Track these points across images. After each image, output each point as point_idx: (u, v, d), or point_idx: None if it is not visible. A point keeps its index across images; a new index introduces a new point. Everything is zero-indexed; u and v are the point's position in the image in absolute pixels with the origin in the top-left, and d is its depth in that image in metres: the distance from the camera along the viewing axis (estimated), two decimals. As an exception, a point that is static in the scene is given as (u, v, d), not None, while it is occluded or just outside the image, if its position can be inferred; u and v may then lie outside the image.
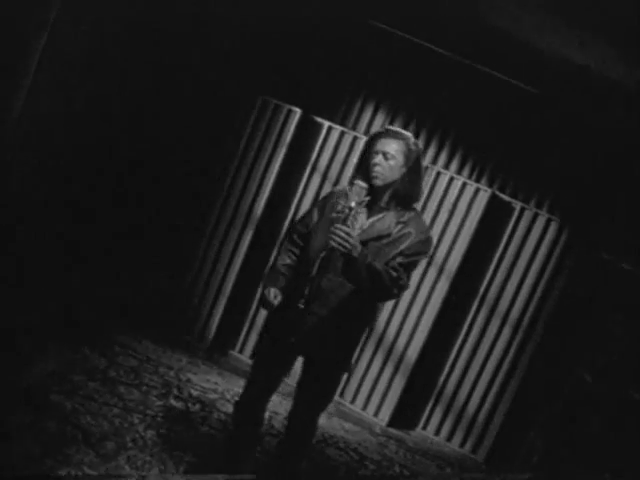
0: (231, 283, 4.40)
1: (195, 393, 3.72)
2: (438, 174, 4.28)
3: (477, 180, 4.43)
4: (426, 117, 4.46)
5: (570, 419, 4.00)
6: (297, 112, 4.27)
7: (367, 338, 4.35)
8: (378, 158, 2.57)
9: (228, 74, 4.44)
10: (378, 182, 2.57)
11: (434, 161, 4.47)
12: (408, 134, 2.64)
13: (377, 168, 2.57)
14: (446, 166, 4.47)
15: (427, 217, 4.25)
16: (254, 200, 4.35)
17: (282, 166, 4.31)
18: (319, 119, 4.35)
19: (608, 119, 4.26)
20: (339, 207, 2.52)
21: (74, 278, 4.23)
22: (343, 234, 2.39)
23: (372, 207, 2.61)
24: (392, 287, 2.50)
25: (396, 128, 2.65)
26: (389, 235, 2.57)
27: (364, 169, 2.64)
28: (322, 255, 2.51)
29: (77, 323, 3.95)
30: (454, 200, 4.25)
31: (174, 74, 4.39)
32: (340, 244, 2.39)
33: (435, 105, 4.43)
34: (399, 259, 2.54)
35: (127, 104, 4.30)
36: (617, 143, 4.29)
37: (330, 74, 4.47)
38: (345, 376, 2.88)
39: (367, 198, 2.59)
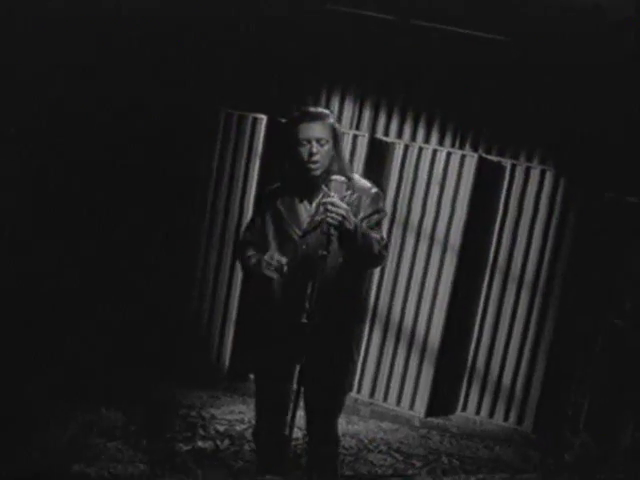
0: (235, 306, 4.24)
1: (222, 428, 3.57)
2: (420, 150, 4.12)
3: (461, 147, 4.26)
4: (396, 95, 4.28)
5: (609, 369, 3.83)
6: (263, 119, 4.11)
7: (383, 336, 4.20)
8: (313, 147, 2.42)
9: (185, 92, 4.27)
10: (318, 172, 2.45)
11: (413, 138, 4.31)
12: (327, 110, 2.54)
13: (316, 158, 2.43)
14: (426, 140, 4.31)
15: (418, 195, 4.10)
16: (240, 219, 4.19)
17: (260, 177, 4.15)
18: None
19: (588, 55, 4.08)
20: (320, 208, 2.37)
21: (69, 336, 4.07)
22: (330, 206, 2.26)
23: (313, 197, 2.51)
24: (381, 250, 2.45)
25: (314, 108, 2.52)
26: None
27: (293, 162, 2.48)
28: (319, 259, 2.34)
29: (86, 382, 3.79)
30: (442, 172, 4.09)
31: (130, 103, 4.23)
32: (330, 217, 2.27)
33: (403, 81, 4.26)
34: (366, 224, 2.47)
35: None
36: (596, 79, 4.12)
37: (288, 72, 4.31)
38: (353, 366, 2.74)
39: (348, 192, 2.45)
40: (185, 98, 4.25)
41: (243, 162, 4.15)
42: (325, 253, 2.33)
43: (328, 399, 2.58)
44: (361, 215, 2.46)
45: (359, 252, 2.39)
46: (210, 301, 4.27)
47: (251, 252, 2.60)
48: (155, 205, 4.30)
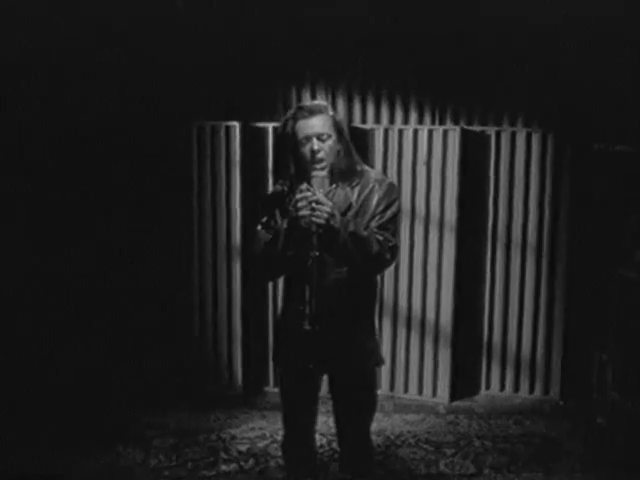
0: (239, 320, 4.12)
1: (244, 448, 3.44)
2: (401, 132, 4.00)
3: (441, 122, 4.14)
4: (367, 80, 4.17)
5: (628, 323, 3.72)
6: (236, 126, 4.00)
7: (394, 326, 4.08)
8: (315, 144, 2.27)
9: (155, 109, 4.15)
10: (325, 171, 2.29)
11: (391, 120, 4.19)
12: (324, 103, 2.37)
13: (320, 155, 2.28)
14: (405, 121, 4.19)
15: (406, 178, 3.98)
16: (229, 232, 4.08)
17: (243, 185, 4.03)
18: (261, 124, 4.07)
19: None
20: (302, 204, 2.21)
21: (74, 371, 3.95)
22: (315, 204, 2.12)
23: (328, 192, 2.34)
24: (383, 252, 2.23)
25: (309, 103, 2.36)
26: (351, 205, 2.32)
27: (296, 160, 2.35)
28: (310, 262, 2.23)
29: (99, 421, 3.67)
30: (426, 151, 3.97)
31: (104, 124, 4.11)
32: (315, 215, 2.12)
33: (371, 64, 4.14)
34: (375, 221, 2.29)
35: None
36: (567, 33, 4.00)
37: (254, 72, 4.19)
38: (381, 367, 2.63)
39: (333, 187, 2.33)
40: (156, 114, 4.13)
41: (223, 172, 4.03)
42: (317, 254, 2.22)
43: (352, 404, 2.45)
44: (371, 210, 2.29)
45: (350, 253, 2.20)
46: (212, 319, 4.16)
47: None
48: (140, 228, 4.19)
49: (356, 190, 2.32)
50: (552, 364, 4.05)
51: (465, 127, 3.98)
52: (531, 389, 4.10)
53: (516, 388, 4.12)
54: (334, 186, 2.32)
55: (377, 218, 2.29)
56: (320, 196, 2.16)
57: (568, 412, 3.89)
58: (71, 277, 4.08)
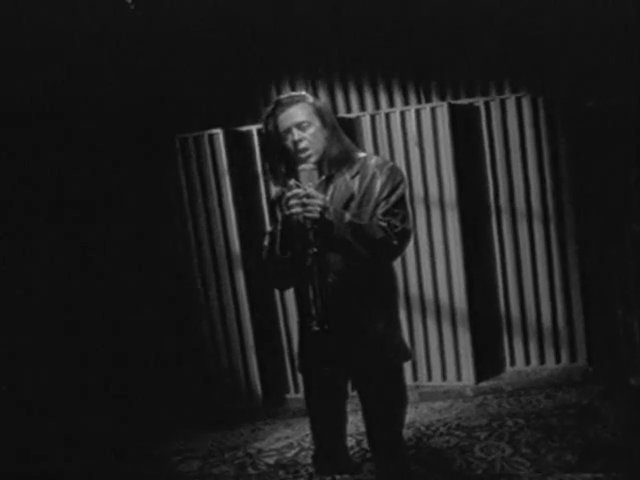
0: (250, 330, 4.02)
1: (272, 460, 3.33)
2: (387, 116, 3.89)
3: (427, 100, 4.03)
4: (346, 68, 4.06)
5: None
6: (219, 133, 3.89)
7: (408, 314, 3.97)
8: (296, 134, 2.18)
9: (133, 126, 4.04)
10: (313, 158, 2.20)
11: (376, 106, 4.09)
12: (302, 92, 2.28)
13: (302, 145, 2.18)
14: (390, 104, 4.08)
15: (399, 162, 3.86)
16: (227, 241, 3.97)
17: (235, 193, 3.93)
18: (245, 128, 3.97)
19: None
20: (293, 202, 2.11)
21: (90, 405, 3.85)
22: (306, 199, 2.02)
23: (319, 184, 2.24)
24: (388, 239, 2.14)
25: (287, 94, 2.26)
26: (354, 195, 2.22)
27: (285, 158, 2.25)
28: (309, 262, 2.13)
29: (123, 451, 3.57)
30: (416, 131, 3.86)
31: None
32: (307, 210, 2.02)
33: (349, 50, 4.04)
34: (381, 208, 2.20)
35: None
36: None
37: (231, 75, 4.09)
38: (407, 364, 2.51)
39: (323, 178, 2.22)
40: (138, 131, 4.04)
41: (213, 182, 3.93)
42: (315, 250, 2.12)
43: (380, 407, 2.35)
44: (374, 197, 2.20)
45: (350, 245, 2.11)
46: (222, 331, 4.05)
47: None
48: (139, 252, 4.09)
49: (357, 179, 2.22)
50: (575, 330, 3.93)
51: (452, 102, 3.86)
52: (557, 359, 3.98)
53: (542, 360, 4.01)
54: (324, 177, 2.22)
55: (382, 204, 2.20)
56: (310, 190, 2.06)
57: (599, 377, 3.77)
58: (78, 304, 3.97)
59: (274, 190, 2.41)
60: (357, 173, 2.23)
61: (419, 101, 4.04)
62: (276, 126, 2.20)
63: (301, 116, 2.18)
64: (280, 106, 2.20)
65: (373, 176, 2.22)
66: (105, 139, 4.00)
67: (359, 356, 2.25)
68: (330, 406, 2.47)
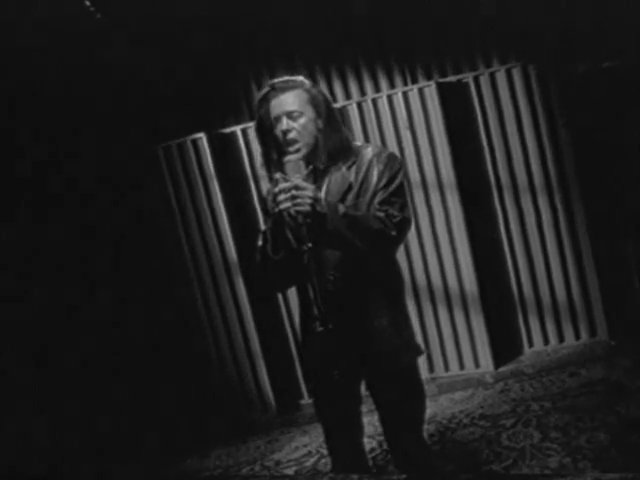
0: (255, 337, 3.87)
1: (291, 471, 3.19)
2: (375, 101, 3.74)
3: (413, 81, 3.88)
4: (327, 56, 3.92)
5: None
6: (202, 137, 3.75)
7: (417, 303, 3.81)
8: (284, 123, 2.03)
9: (111, 135, 3.89)
10: (301, 153, 2.04)
11: (362, 93, 3.94)
12: (300, 78, 2.09)
13: (290, 136, 2.02)
14: (376, 90, 3.93)
15: (392, 147, 3.70)
16: (221, 247, 3.82)
17: (225, 196, 3.78)
18: (228, 129, 3.83)
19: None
20: (281, 197, 1.94)
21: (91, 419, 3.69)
22: (294, 191, 1.87)
23: (316, 176, 2.09)
24: (386, 229, 1.97)
25: (283, 78, 2.07)
26: (351, 186, 2.06)
27: (277, 144, 2.10)
28: (307, 258, 1.98)
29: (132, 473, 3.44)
30: (406, 115, 3.71)
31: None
32: (297, 204, 1.86)
33: (328, 37, 3.89)
34: (378, 197, 2.03)
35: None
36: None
37: (209, 74, 3.95)
38: (421, 357, 2.35)
39: (310, 167, 2.07)
40: (120, 141, 3.89)
41: (201, 188, 3.78)
42: (310, 246, 1.96)
43: (397, 407, 2.18)
44: (372, 187, 2.04)
45: (346, 238, 1.94)
46: (227, 341, 3.90)
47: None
48: (132, 261, 3.94)
49: (353, 169, 2.07)
50: (592, 304, 3.77)
51: (440, 80, 3.71)
52: (577, 335, 3.83)
53: (561, 339, 3.85)
54: (311, 167, 2.07)
55: (380, 194, 2.03)
56: (297, 181, 1.90)
57: (622, 350, 3.61)
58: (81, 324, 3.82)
59: (265, 187, 2.26)
60: (353, 163, 2.08)
61: (405, 83, 3.89)
62: (267, 112, 2.05)
63: (292, 105, 2.02)
64: (273, 91, 2.05)
65: (370, 165, 2.07)
66: (85, 151, 3.85)
67: (367, 355, 2.10)
68: (343, 414, 2.29)
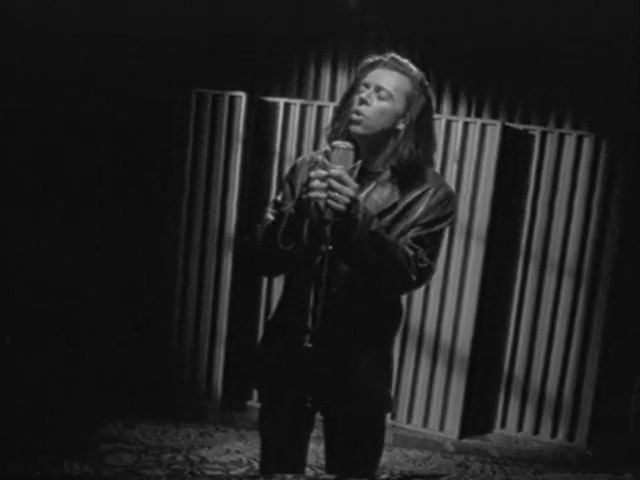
0: (225, 322, 3.56)
1: (213, 474, 2.89)
2: (431, 121, 3.44)
3: (478, 115, 3.59)
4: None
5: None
6: (242, 97, 3.45)
7: (403, 344, 3.52)
8: (366, 93, 1.74)
9: (148, 72, 3.58)
10: (358, 129, 1.75)
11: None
12: (415, 68, 1.79)
13: (362, 107, 1.74)
14: (437, 109, 3.64)
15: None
16: (223, 216, 3.52)
17: (243, 166, 3.48)
18: (271, 98, 3.53)
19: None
20: (316, 183, 1.64)
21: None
22: (335, 183, 1.58)
23: (361, 175, 1.78)
24: (408, 271, 1.69)
25: (398, 57, 1.79)
26: (395, 206, 1.76)
27: (344, 117, 1.81)
28: (319, 260, 1.68)
29: (46, 428, 3.11)
30: (459, 147, 3.42)
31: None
32: (332, 198, 1.57)
33: (402, 39, 3.58)
34: (414, 232, 1.74)
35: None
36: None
37: (269, 41, 3.63)
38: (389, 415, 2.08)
39: (358, 163, 1.77)
40: (152, 80, 3.58)
41: (223, 149, 3.48)
42: (329, 248, 1.67)
43: (351, 455, 1.91)
44: (413, 217, 1.76)
45: (364, 258, 1.66)
46: (194, 317, 3.59)
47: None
48: (123, 205, 3.62)
49: (404, 188, 1.77)
50: (581, 407, 3.49)
51: (507, 124, 3.43)
52: (553, 433, 3.54)
53: (536, 430, 3.57)
54: (359, 163, 1.77)
55: (418, 229, 1.74)
56: (342, 173, 1.60)
57: (597, 464, 3.33)
58: (36, 265, 3.50)
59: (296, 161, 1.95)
60: (409, 185, 1.78)
61: (468, 114, 3.59)
62: (363, 75, 1.78)
63: (387, 84, 1.74)
64: (382, 63, 1.77)
65: (424, 192, 1.77)
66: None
67: (336, 393, 1.81)
68: (292, 436, 2.03)
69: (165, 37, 3.55)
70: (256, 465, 2.97)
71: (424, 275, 1.76)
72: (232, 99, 3.47)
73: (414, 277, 1.72)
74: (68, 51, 3.47)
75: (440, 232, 1.81)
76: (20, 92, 3.40)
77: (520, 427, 3.59)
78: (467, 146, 3.42)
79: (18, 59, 3.38)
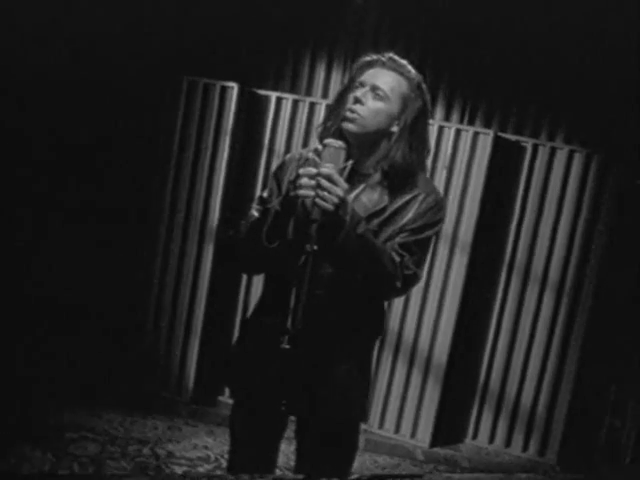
0: (201, 314, 3.50)
1: (180, 470, 2.83)
2: (424, 126, 3.41)
3: (470, 123, 3.56)
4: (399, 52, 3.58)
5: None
6: (234, 87, 3.38)
7: (380, 348, 3.49)
8: (361, 92, 1.70)
9: (142, 57, 3.50)
10: (352, 128, 1.70)
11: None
12: (413, 70, 1.75)
13: (357, 106, 1.69)
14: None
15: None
16: (206, 207, 3.46)
17: (230, 158, 3.42)
18: (263, 91, 3.47)
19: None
20: (304, 180, 1.59)
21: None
22: (324, 181, 1.53)
23: (351, 176, 1.74)
24: (393, 277, 1.66)
25: (396, 57, 1.74)
26: (384, 210, 1.72)
27: (337, 115, 1.76)
28: (302, 260, 1.63)
29: (8, 411, 3.03)
30: (450, 154, 3.39)
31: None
32: (321, 197, 1.53)
33: (399, 41, 3.54)
34: (402, 238, 1.70)
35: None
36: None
37: (264, 34, 3.57)
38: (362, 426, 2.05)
39: (349, 163, 1.72)
40: (145, 65, 3.50)
41: (211, 139, 3.42)
42: (314, 248, 1.62)
43: (322, 462, 1.86)
44: (402, 222, 1.72)
45: (349, 260, 1.64)
46: (170, 307, 3.53)
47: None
48: (105, 193, 3.55)
49: (395, 192, 1.73)
50: (554, 422, 3.48)
51: (500, 133, 3.40)
52: (525, 447, 3.53)
53: (507, 442, 3.55)
54: (350, 163, 1.72)
55: (406, 234, 1.70)
56: (333, 172, 1.56)
57: (565, 481, 3.32)
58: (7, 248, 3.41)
59: (285, 157, 1.90)
60: (399, 189, 1.74)
61: (461, 121, 3.56)
62: (359, 73, 1.75)
63: (384, 84, 1.70)
64: (380, 63, 1.74)
65: (413, 198, 1.73)
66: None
67: (312, 398, 1.77)
68: (261, 437, 1.98)
69: (160, 29, 3.49)
70: (224, 462, 2.92)
71: (409, 282, 1.73)
72: (224, 89, 3.41)
73: (399, 284, 1.69)
74: (56, 40, 3.39)
75: (428, 239, 1.77)
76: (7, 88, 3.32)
77: (492, 439, 3.57)
78: (458, 153, 3.39)
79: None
